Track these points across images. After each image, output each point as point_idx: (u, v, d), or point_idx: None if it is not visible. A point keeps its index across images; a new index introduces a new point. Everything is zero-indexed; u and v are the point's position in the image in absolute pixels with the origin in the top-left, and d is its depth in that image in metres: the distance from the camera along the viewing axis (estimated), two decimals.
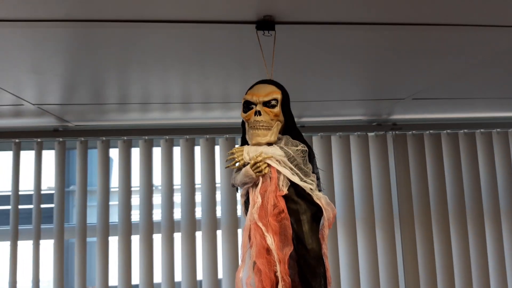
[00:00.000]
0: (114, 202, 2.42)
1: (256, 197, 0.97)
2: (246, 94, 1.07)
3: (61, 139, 2.36)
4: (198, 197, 2.43)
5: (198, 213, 2.44)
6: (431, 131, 2.53)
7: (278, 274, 0.91)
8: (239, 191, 1.08)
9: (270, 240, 0.93)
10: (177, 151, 2.46)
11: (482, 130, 2.57)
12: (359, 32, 1.17)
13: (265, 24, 1.04)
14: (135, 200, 2.45)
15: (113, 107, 2.02)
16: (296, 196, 0.99)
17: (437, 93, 1.94)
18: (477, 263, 2.50)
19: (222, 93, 1.84)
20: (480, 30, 1.21)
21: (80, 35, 1.15)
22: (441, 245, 2.48)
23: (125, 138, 2.37)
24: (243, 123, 1.09)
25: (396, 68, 1.59)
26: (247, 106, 1.06)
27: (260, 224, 0.94)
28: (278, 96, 1.05)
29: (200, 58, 1.37)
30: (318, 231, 0.99)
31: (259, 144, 1.02)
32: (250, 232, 0.96)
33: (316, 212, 0.99)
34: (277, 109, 1.04)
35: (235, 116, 2.27)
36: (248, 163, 1.01)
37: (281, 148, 1.02)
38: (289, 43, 1.22)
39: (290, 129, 1.09)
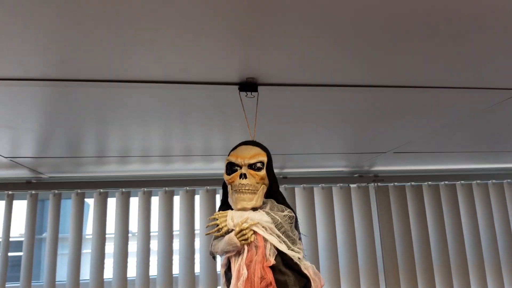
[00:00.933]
0: (87, 250, 2.30)
1: (241, 268, 0.91)
2: (229, 155, 1.03)
3: (33, 192, 2.25)
4: (176, 252, 2.33)
5: (175, 269, 2.33)
6: (412, 183, 2.52)
7: None
8: (218, 259, 1.01)
9: None
10: (156, 201, 2.38)
11: (462, 181, 2.59)
12: (339, 92, 1.16)
13: (248, 86, 1.02)
14: (109, 249, 2.33)
15: (90, 160, 1.95)
16: (284, 267, 0.93)
17: (417, 147, 1.95)
18: None
19: (203, 146, 1.80)
20: (457, 91, 1.22)
21: (57, 93, 1.11)
22: None
23: (101, 190, 2.28)
24: (224, 184, 1.05)
25: (376, 125, 1.59)
26: (231, 168, 1.01)
27: None
28: (264, 158, 1.01)
29: (181, 115, 1.34)
30: None
31: (244, 209, 0.97)
32: None
33: (306, 284, 0.93)
34: (263, 172, 1.00)
35: (216, 167, 2.22)
36: (232, 230, 0.95)
37: (267, 213, 0.97)
38: (271, 103, 1.21)
39: (274, 192, 1.04)
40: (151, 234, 2.33)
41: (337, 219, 2.45)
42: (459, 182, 2.58)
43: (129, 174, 2.31)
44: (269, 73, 0.99)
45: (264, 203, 1.01)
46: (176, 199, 2.39)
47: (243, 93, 1.03)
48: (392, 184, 2.51)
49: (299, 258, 0.94)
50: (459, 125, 1.62)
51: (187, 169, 2.27)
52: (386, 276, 2.43)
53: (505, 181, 2.62)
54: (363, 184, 2.48)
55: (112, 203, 2.35)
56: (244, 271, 0.90)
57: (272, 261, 0.92)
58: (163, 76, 1.00)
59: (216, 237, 0.99)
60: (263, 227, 0.94)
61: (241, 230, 0.93)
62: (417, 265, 2.45)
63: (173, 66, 0.94)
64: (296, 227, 1.00)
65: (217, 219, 0.97)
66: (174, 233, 2.34)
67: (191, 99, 1.17)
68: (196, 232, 2.34)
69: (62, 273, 2.31)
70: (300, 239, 1.00)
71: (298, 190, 2.43)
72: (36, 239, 2.46)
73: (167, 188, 2.33)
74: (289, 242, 0.95)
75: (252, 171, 0.99)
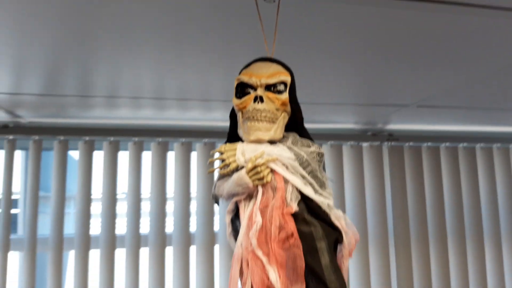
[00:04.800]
0: (70, 210, 2.10)
1: (254, 215, 0.69)
2: (240, 73, 0.79)
3: (11, 137, 2.02)
4: (170, 208, 2.14)
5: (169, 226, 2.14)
6: (429, 144, 2.31)
7: None
8: (220, 204, 0.80)
9: (274, 276, 0.65)
10: (147, 156, 2.16)
11: (482, 144, 2.38)
12: (368, 9, 0.92)
13: None
14: (97, 209, 2.13)
15: (72, 100, 1.71)
16: (310, 215, 0.71)
17: (443, 101, 1.73)
18: (476, 286, 2.28)
19: (201, 88, 1.57)
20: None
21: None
22: (438, 266, 2.25)
23: (87, 138, 2.05)
24: (232, 113, 0.82)
25: (405, 70, 1.37)
26: (242, 90, 0.78)
27: (259, 253, 0.66)
28: (287, 78, 0.77)
29: (176, 38, 1.10)
30: (337, 262, 0.71)
31: (259, 141, 0.74)
32: (242, 263, 0.68)
33: (337, 238, 0.72)
34: (285, 96, 0.77)
35: (217, 117, 2.00)
36: (243, 167, 0.73)
37: (289, 148, 0.75)
38: (289, 21, 0.97)
39: (297, 125, 0.82)
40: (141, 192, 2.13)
41: (346, 180, 2.25)
42: (478, 145, 2.38)
43: (118, 122, 2.07)
44: None
45: (284, 136, 0.78)
46: (171, 156, 2.17)
47: None
48: (407, 144, 2.30)
49: (328, 205, 0.73)
50: (492, 79, 1.40)
51: (182, 118, 2.04)
52: (396, 242, 2.26)
53: None
54: (376, 143, 2.27)
55: (99, 157, 2.13)
56: (258, 218, 0.68)
57: (294, 207, 0.70)
58: None
59: (221, 177, 0.77)
60: (283, 164, 0.72)
61: (254, 167, 0.71)
62: (429, 231, 2.27)
63: None
64: (324, 169, 0.78)
65: (223, 153, 0.75)
66: (168, 188, 2.14)
67: (191, 9, 0.93)
68: (192, 185, 2.14)
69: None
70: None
71: None
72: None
73: (160, 139, 2.11)
74: (317, 185, 0.73)
75: (270, 94, 0.76)
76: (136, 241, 2.07)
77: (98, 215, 2.09)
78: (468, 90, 1.59)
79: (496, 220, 2.36)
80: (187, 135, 2.12)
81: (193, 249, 2.13)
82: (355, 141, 2.25)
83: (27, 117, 1.98)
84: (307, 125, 2.23)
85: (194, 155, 2.20)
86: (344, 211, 2.20)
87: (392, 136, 2.28)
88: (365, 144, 2.27)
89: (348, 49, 1.19)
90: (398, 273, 2.23)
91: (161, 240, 2.08)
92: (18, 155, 2.24)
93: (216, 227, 2.15)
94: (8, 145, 2.04)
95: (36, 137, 2.03)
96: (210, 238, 2.12)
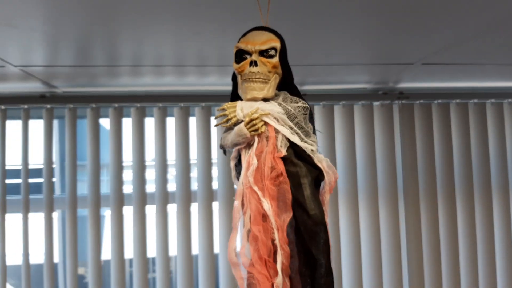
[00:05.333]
0: (103, 178, 2.32)
1: (251, 158, 0.86)
2: (238, 42, 0.94)
3: (48, 106, 2.23)
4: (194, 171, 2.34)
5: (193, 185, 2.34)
6: (439, 101, 2.39)
7: (277, 242, 0.81)
8: (227, 153, 0.96)
9: (267, 206, 0.82)
10: (171, 121, 2.34)
11: (493, 100, 2.44)
12: None
13: None
14: (127, 172, 2.34)
15: (102, 70, 1.89)
16: (296, 158, 0.87)
17: (447, 57, 1.81)
18: (483, 239, 2.40)
19: (217, 54, 1.71)
20: None
21: None
22: (446, 220, 2.38)
23: (116, 105, 2.24)
24: (234, 76, 0.97)
25: (405, 28, 1.45)
26: (240, 55, 0.93)
27: (256, 188, 0.83)
28: (277, 44, 0.92)
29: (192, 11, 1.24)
30: (319, 196, 0.88)
31: (254, 99, 0.90)
32: (243, 197, 0.85)
33: (318, 175, 0.88)
34: (276, 60, 0.91)
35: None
36: (242, 121, 0.89)
37: (279, 104, 0.90)
38: None
39: (288, 85, 0.97)
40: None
41: (357, 139, 2.37)
42: (489, 101, 2.44)
43: (143, 89, 2.26)
44: None
45: (276, 94, 0.94)
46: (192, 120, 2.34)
47: None
48: (417, 102, 2.38)
49: (312, 150, 0.89)
50: (498, 29, 1.46)
51: (203, 83, 2.19)
52: (405, 197, 2.39)
53: None
54: (387, 102, 2.37)
55: (128, 124, 2.32)
56: (254, 161, 0.85)
57: (283, 152, 0.87)
58: None
59: (226, 130, 0.93)
60: (274, 118, 0.88)
61: (251, 120, 0.87)
62: (438, 185, 2.39)
63: None
64: (311, 121, 0.93)
65: (226, 110, 0.91)
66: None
67: None
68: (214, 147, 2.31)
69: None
70: (314, 132, 0.93)
71: (318, 108, 2.34)
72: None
73: (182, 104, 2.27)
74: (302, 134, 0.89)
75: (263, 59, 0.91)
76: (164, 197, 2.29)
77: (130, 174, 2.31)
78: (470, 45, 1.65)
79: (504, 174, 2.44)
80: (208, 100, 2.28)
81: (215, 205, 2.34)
82: (367, 100, 2.35)
83: (61, 87, 2.18)
84: (322, 87, 2.36)
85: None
86: (355, 166, 2.34)
87: (402, 94, 2.37)
88: (376, 103, 2.37)
89: (355, 10, 1.28)
90: (407, 225, 2.37)
91: (186, 196, 2.29)
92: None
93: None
94: (46, 114, 2.26)
95: (71, 105, 2.24)
96: (231, 194, 2.30)
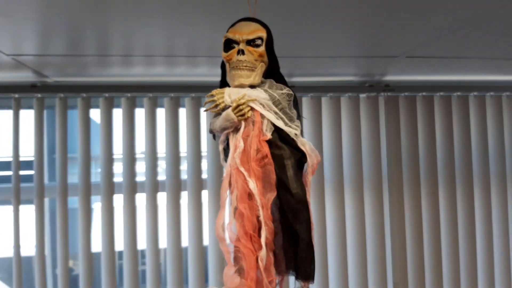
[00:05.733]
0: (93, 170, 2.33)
1: (238, 142, 0.91)
2: (227, 32, 0.99)
3: (39, 95, 2.26)
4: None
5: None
6: (423, 94, 2.46)
7: (261, 219, 0.87)
8: (216, 137, 1.01)
9: (253, 185, 0.88)
10: (161, 113, 2.37)
11: (475, 93, 2.52)
12: None
13: None
14: (118, 163, 2.37)
15: (92, 60, 1.92)
16: (280, 142, 0.93)
17: (431, 50, 1.87)
18: (464, 228, 2.49)
19: (207, 45, 1.75)
20: None
21: None
22: (429, 209, 2.46)
23: (107, 95, 2.27)
24: (223, 64, 1.02)
25: (389, 22, 1.50)
26: (229, 45, 0.98)
27: (242, 169, 0.89)
28: (263, 34, 0.97)
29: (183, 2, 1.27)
30: (302, 177, 0.93)
31: (241, 86, 0.95)
32: (230, 178, 0.90)
33: (300, 158, 0.93)
34: (262, 49, 0.96)
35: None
36: (229, 106, 0.94)
37: (265, 91, 0.95)
38: None
39: (274, 73, 1.02)
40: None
41: (344, 130, 2.43)
42: (471, 94, 2.51)
43: (133, 79, 2.28)
44: None
45: (263, 82, 0.99)
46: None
47: None
48: (402, 94, 2.45)
49: (295, 134, 0.94)
50: (478, 23, 1.52)
51: (193, 74, 2.23)
52: (390, 186, 2.46)
53: None
54: (373, 94, 2.43)
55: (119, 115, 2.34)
56: (241, 144, 0.90)
57: (268, 136, 0.92)
58: None
59: (215, 115, 0.98)
60: (260, 103, 0.93)
61: (238, 106, 0.92)
62: (421, 175, 2.46)
63: None
64: (296, 107, 0.99)
65: (214, 96, 0.96)
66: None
67: None
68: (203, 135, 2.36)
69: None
70: (298, 118, 0.98)
71: (306, 100, 2.40)
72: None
73: (172, 95, 2.31)
74: (286, 119, 0.95)
75: (250, 48, 0.96)
76: (154, 186, 2.33)
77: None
78: (452, 38, 1.70)
79: (485, 164, 2.52)
80: (197, 90, 2.32)
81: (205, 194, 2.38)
82: (353, 92, 2.41)
83: (52, 77, 2.20)
84: (310, 79, 2.40)
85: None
86: (341, 157, 2.40)
87: (388, 87, 2.43)
88: (362, 95, 2.43)
89: (341, 3, 1.32)
90: (391, 213, 2.45)
91: (176, 185, 2.33)
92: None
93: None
94: (37, 103, 2.28)
95: (62, 95, 2.26)
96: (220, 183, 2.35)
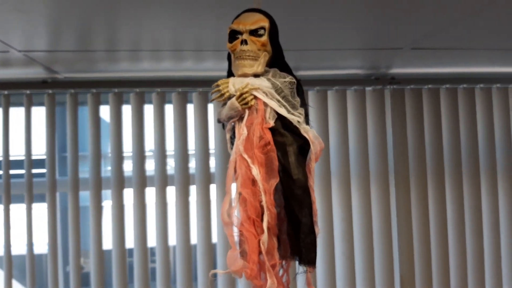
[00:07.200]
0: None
1: (242, 129, 0.94)
2: (232, 23, 1.01)
3: (50, 91, 2.30)
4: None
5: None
6: (429, 86, 2.47)
7: (264, 204, 0.89)
8: (224, 126, 1.04)
9: (256, 171, 0.90)
10: (169, 108, 2.40)
11: (481, 85, 2.51)
12: None
13: None
14: (127, 158, 2.40)
15: (102, 55, 1.96)
16: (283, 129, 0.96)
17: (436, 42, 1.87)
18: (471, 220, 2.49)
19: (214, 39, 1.77)
20: None
21: None
22: (435, 202, 2.47)
23: (116, 90, 2.31)
24: (229, 56, 1.04)
25: (394, 13, 1.52)
26: (233, 36, 1.00)
27: (245, 156, 0.91)
28: (266, 24, 0.99)
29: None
30: (305, 164, 0.96)
31: (245, 75, 0.97)
32: (235, 165, 0.93)
33: (303, 144, 0.96)
34: (265, 38, 0.99)
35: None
36: (234, 96, 0.96)
37: (268, 79, 0.97)
38: None
39: (278, 62, 1.04)
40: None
41: (350, 123, 2.45)
42: (477, 86, 2.51)
43: (142, 75, 2.32)
44: None
45: (266, 71, 1.01)
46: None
47: None
48: (408, 87, 2.45)
49: (298, 122, 0.96)
50: (485, 13, 1.52)
51: (200, 68, 2.26)
52: (396, 179, 2.47)
53: None
54: (379, 87, 2.44)
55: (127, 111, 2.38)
56: (244, 131, 0.93)
57: (271, 123, 0.94)
58: None
59: (223, 105, 1.01)
60: (263, 92, 0.95)
61: (241, 95, 0.95)
62: (428, 168, 2.47)
63: None
64: (300, 96, 1.01)
65: (220, 86, 0.98)
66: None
67: None
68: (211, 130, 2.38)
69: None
70: (301, 106, 1.00)
71: (312, 94, 2.42)
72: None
73: (180, 89, 2.34)
74: (289, 107, 0.97)
75: (253, 38, 0.98)
76: (164, 180, 2.36)
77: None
78: (457, 30, 1.70)
79: (492, 158, 2.52)
80: (204, 85, 2.35)
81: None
82: (359, 85, 2.43)
83: (63, 73, 2.25)
84: (316, 73, 2.41)
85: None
86: (347, 150, 2.42)
87: (394, 79, 2.44)
88: (368, 88, 2.44)
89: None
90: (397, 206, 2.46)
91: (184, 179, 2.37)
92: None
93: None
94: (48, 99, 2.32)
95: (72, 91, 2.31)
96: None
